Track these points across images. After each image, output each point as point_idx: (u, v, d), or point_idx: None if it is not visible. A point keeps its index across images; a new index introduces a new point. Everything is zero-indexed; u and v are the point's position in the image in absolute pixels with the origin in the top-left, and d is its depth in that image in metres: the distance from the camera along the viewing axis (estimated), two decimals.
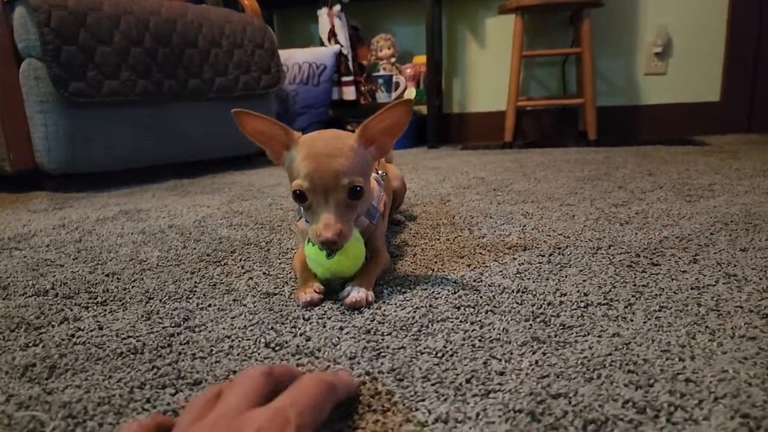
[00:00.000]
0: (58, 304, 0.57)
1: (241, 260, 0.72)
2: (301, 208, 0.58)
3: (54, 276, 0.67)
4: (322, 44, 2.44)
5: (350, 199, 0.53)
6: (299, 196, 0.54)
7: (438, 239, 0.78)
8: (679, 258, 0.64)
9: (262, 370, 0.32)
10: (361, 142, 0.56)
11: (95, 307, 0.56)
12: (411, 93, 2.46)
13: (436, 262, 0.67)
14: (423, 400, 0.36)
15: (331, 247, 0.52)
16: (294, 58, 2.30)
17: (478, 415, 0.34)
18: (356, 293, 0.53)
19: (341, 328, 0.48)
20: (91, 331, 0.50)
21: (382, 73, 2.44)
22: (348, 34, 2.42)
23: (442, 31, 2.51)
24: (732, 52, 2.18)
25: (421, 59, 2.42)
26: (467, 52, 2.54)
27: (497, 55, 2.44)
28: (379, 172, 0.71)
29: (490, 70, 2.50)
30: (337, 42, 2.41)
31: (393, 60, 2.46)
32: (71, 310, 0.55)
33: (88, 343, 0.47)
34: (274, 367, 0.33)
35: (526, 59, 2.32)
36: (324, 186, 0.52)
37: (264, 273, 0.66)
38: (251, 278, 0.64)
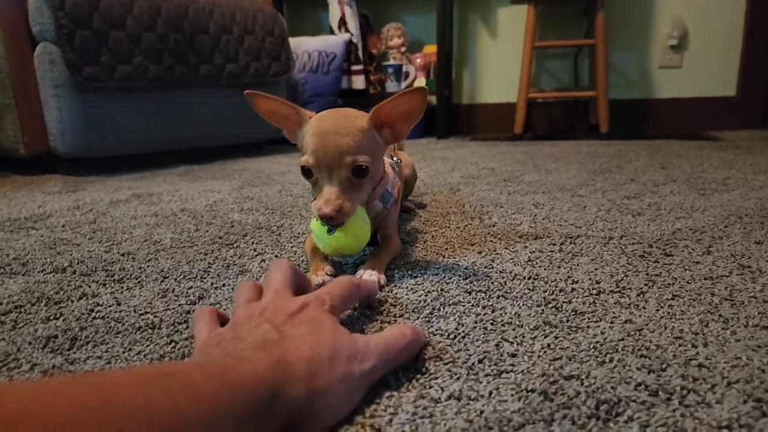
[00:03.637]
0: (76, 280, 0.58)
1: (253, 243, 0.73)
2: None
3: (71, 254, 0.68)
4: (332, 32, 2.43)
5: (354, 178, 0.53)
6: (306, 172, 0.55)
7: (448, 227, 0.79)
8: (693, 249, 0.64)
9: (287, 262, 0.45)
10: (372, 124, 0.56)
11: (112, 285, 0.57)
12: (421, 83, 2.45)
13: (446, 249, 0.67)
14: (436, 378, 0.36)
15: (329, 222, 0.53)
16: (304, 46, 2.30)
17: (490, 393, 0.34)
18: (368, 276, 0.54)
19: (353, 309, 0.48)
20: (110, 306, 0.51)
21: (391, 62, 2.43)
22: (358, 22, 2.41)
23: (453, 20, 2.50)
24: (749, 45, 2.14)
25: (431, 49, 2.40)
26: (478, 42, 2.52)
27: (509, 46, 2.42)
28: (394, 158, 0.71)
29: (501, 61, 2.48)
30: (347, 30, 2.40)
31: (403, 49, 2.45)
32: (89, 286, 0.56)
33: (107, 317, 0.48)
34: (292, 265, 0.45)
35: (537, 51, 2.30)
36: (328, 163, 0.52)
37: (276, 256, 0.67)
38: (264, 260, 0.65)
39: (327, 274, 0.56)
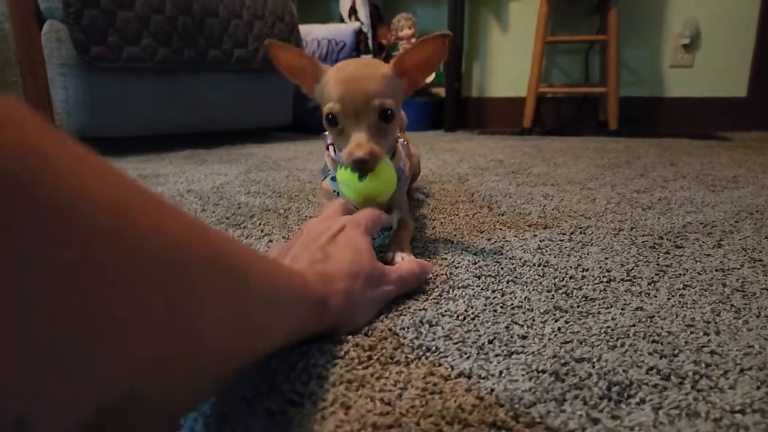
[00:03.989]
0: None
1: (260, 225, 0.73)
2: (330, 159, 0.61)
3: None
4: (342, 21, 2.42)
5: (381, 122, 0.52)
6: (331, 120, 0.53)
7: (457, 214, 0.78)
8: (704, 242, 0.63)
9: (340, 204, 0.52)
10: (395, 72, 0.54)
11: None
12: (430, 75, 2.43)
13: (455, 235, 0.67)
14: (446, 357, 0.36)
15: (362, 167, 0.51)
16: (313, 33, 2.29)
17: (501, 372, 0.34)
18: (399, 260, 0.53)
19: None
20: None
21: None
22: (369, 11, 2.40)
23: (465, 12, 2.47)
24: (762, 47, 2.12)
25: None
26: (489, 35, 2.50)
27: (520, 40, 2.40)
28: (401, 140, 0.70)
29: (511, 55, 2.46)
30: (357, 19, 2.38)
31: (413, 40, 2.43)
32: None
33: None
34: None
35: (548, 46, 2.28)
36: (355, 108, 0.51)
37: (284, 237, 0.67)
38: (271, 241, 0.65)
39: None
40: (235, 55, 1.76)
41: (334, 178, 0.60)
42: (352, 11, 2.39)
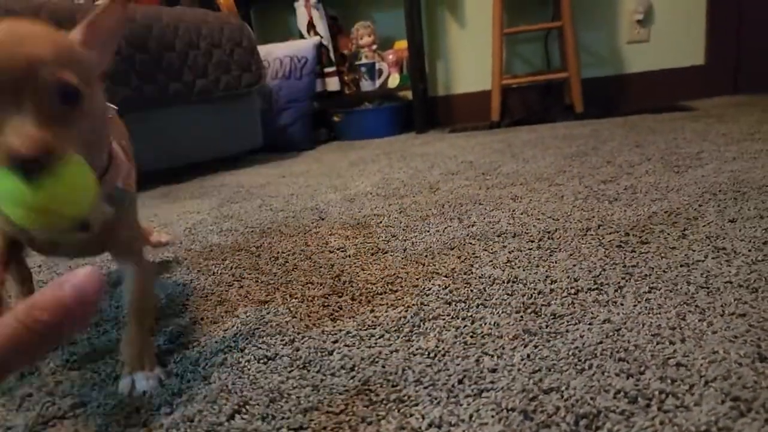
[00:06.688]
0: None
1: (232, 268, 0.72)
2: None
3: None
4: (301, 37, 2.41)
5: (61, 105, 0.33)
6: None
7: (428, 231, 0.78)
8: (668, 234, 0.64)
9: None
10: (84, 39, 0.38)
11: (88, 328, 0.56)
12: (395, 79, 2.44)
13: (426, 256, 0.67)
14: (416, 405, 0.36)
15: (28, 166, 0.31)
16: (275, 53, 2.27)
17: (471, 416, 0.34)
18: (138, 383, 0.42)
19: (334, 341, 0.47)
20: (85, 354, 0.49)
21: (364, 61, 2.41)
22: (327, 24, 2.39)
23: (422, 14, 2.48)
24: (714, 13, 2.16)
25: (402, 44, 2.39)
26: (448, 33, 2.51)
27: (479, 35, 2.41)
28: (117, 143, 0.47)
29: (472, 50, 2.47)
30: (316, 33, 2.37)
31: (374, 47, 2.43)
32: None
33: (83, 369, 0.47)
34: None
35: (508, 36, 2.30)
36: (12, 82, 0.32)
37: (255, 280, 0.66)
38: (242, 287, 0.64)
39: None
40: (197, 86, 1.74)
41: None
42: (311, 26, 2.38)
